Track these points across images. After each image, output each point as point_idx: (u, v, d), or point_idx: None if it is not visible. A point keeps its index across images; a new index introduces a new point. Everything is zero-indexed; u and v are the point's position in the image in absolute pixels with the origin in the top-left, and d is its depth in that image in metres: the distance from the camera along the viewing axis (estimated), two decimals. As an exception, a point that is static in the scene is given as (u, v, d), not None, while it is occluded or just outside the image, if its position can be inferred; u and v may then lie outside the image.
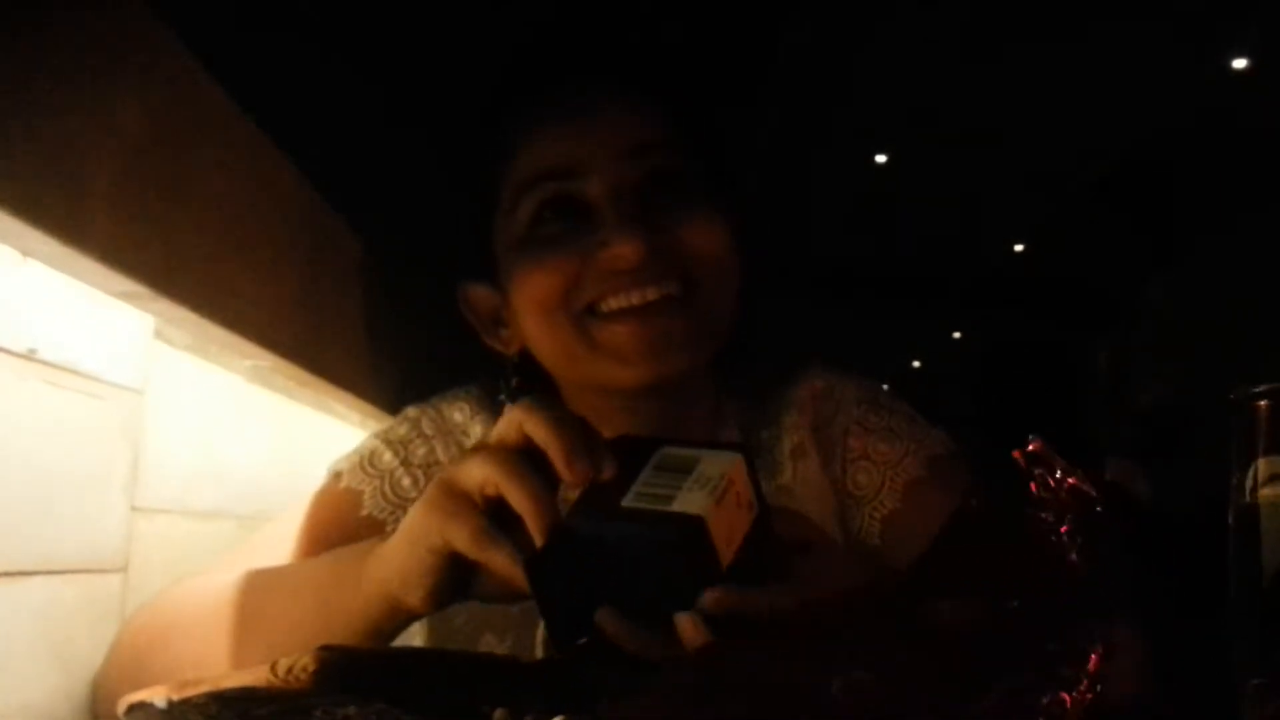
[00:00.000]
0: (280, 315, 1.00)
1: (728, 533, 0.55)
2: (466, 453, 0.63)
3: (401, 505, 0.86)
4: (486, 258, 0.85)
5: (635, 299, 0.78)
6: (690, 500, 0.54)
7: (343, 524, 0.85)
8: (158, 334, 0.91)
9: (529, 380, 0.88)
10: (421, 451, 0.90)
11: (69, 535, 0.80)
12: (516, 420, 0.60)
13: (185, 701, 0.53)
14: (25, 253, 0.70)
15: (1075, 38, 3.96)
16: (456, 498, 0.61)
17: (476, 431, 0.91)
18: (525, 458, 0.59)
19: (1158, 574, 0.47)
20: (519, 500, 0.58)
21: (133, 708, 0.54)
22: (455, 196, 0.90)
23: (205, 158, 0.86)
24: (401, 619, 0.66)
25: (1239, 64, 4.23)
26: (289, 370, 1.06)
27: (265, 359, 1.01)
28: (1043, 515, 0.45)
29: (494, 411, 0.92)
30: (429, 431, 0.92)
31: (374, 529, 0.84)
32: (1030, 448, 0.46)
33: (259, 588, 0.73)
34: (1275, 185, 3.85)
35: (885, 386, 0.96)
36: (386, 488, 0.88)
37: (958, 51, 4.17)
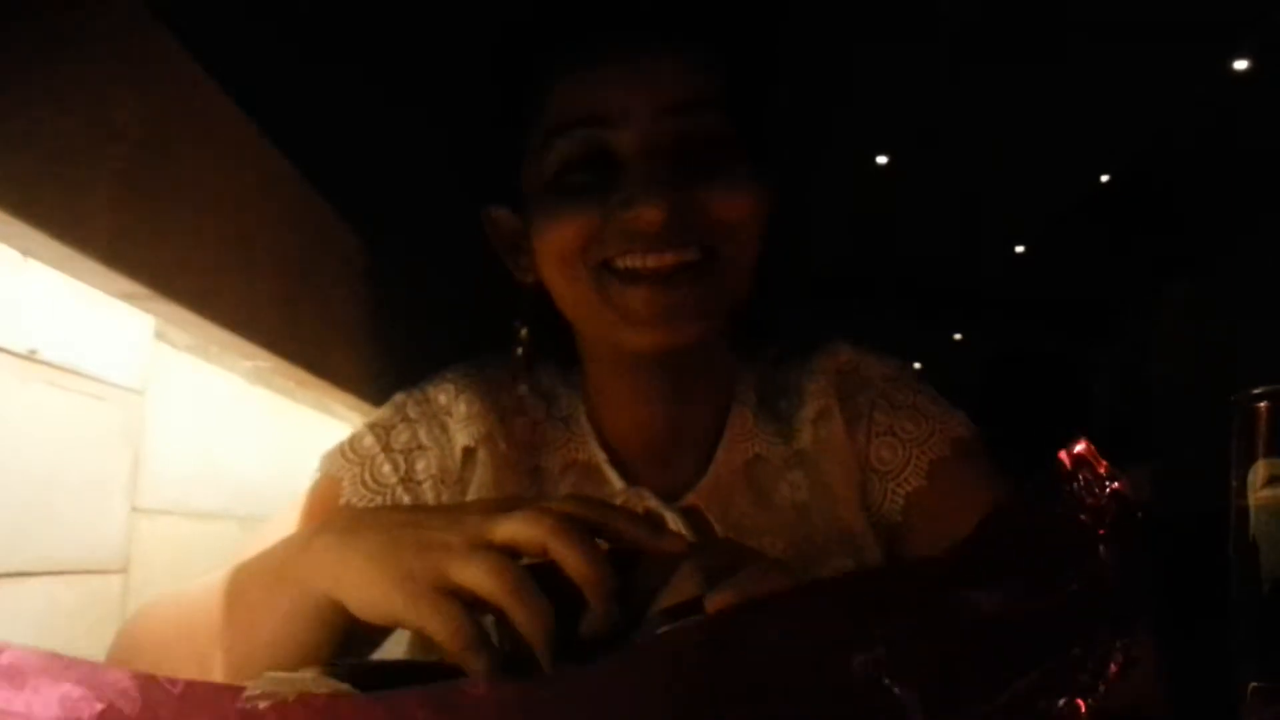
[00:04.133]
0: (281, 316, 1.00)
1: None
2: (465, 546, 0.56)
3: (379, 493, 0.85)
4: (512, 186, 0.84)
5: (652, 262, 0.76)
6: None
7: (324, 514, 0.83)
8: (158, 335, 0.91)
9: (545, 317, 0.86)
10: (404, 436, 0.89)
11: (69, 536, 0.80)
12: (541, 530, 0.55)
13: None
14: (26, 253, 0.70)
15: (1077, 39, 3.96)
16: (442, 595, 0.55)
17: (461, 411, 0.89)
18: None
19: (1160, 576, 0.47)
20: (577, 566, 0.53)
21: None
22: (485, 124, 0.87)
23: (205, 158, 0.86)
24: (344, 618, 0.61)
25: (1240, 65, 4.23)
26: (290, 371, 1.06)
27: (266, 360, 1.01)
28: (1081, 517, 0.44)
29: (480, 388, 0.90)
30: (413, 415, 0.90)
31: None
32: (1077, 449, 0.46)
33: (231, 593, 0.69)
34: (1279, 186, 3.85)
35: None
36: (366, 475, 0.86)
37: (959, 53, 4.17)
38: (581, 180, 0.78)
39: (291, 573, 0.62)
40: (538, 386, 0.92)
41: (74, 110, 0.67)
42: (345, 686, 0.49)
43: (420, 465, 0.88)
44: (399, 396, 0.93)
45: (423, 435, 0.89)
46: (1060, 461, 0.46)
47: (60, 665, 0.39)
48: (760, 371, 0.93)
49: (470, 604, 0.54)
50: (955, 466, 0.87)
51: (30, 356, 0.75)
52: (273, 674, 0.49)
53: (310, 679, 0.50)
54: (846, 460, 0.89)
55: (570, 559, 0.54)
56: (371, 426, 0.90)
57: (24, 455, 0.75)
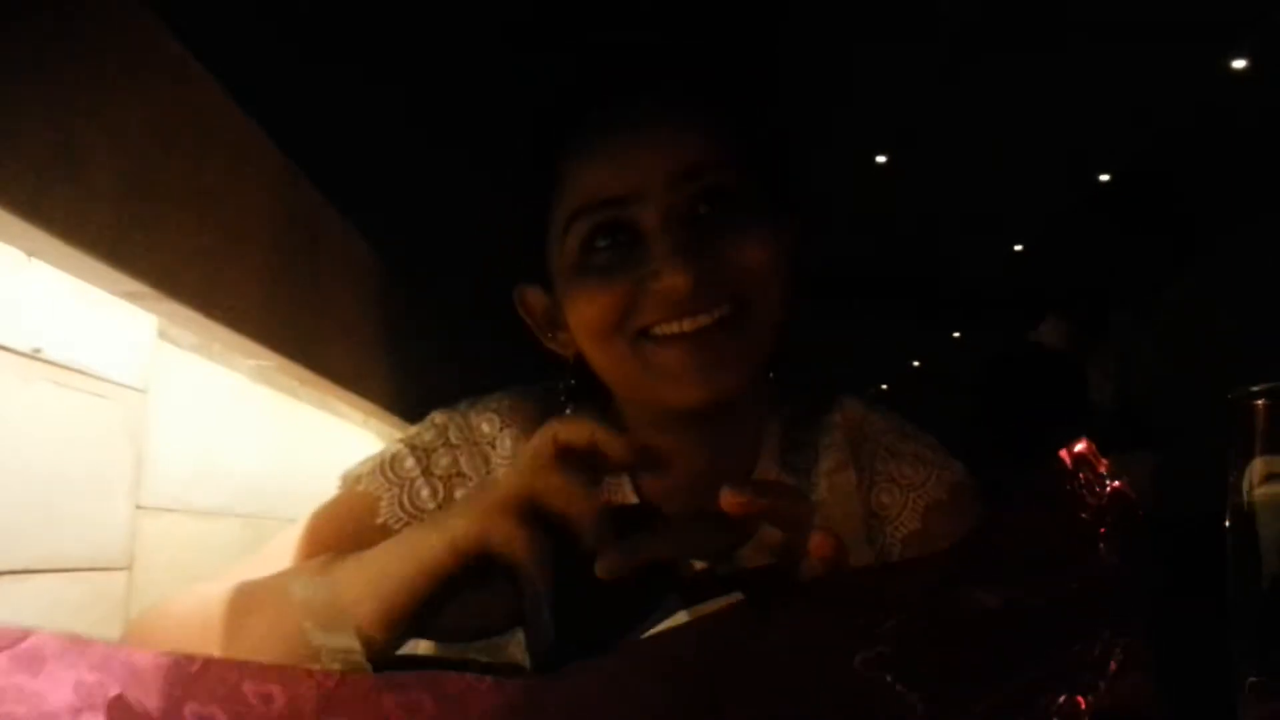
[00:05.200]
0: (283, 315, 1.00)
1: None
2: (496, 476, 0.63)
3: (417, 516, 0.85)
4: (540, 265, 0.85)
5: (687, 326, 0.78)
6: None
7: (356, 530, 0.83)
8: (162, 334, 0.92)
9: (584, 384, 0.87)
10: (445, 462, 0.89)
11: (74, 534, 0.80)
12: (550, 431, 0.62)
13: None
14: (30, 253, 0.71)
15: (1075, 38, 3.96)
16: (492, 503, 0.62)
17: (506, 445, 0.89)
18: (563, 463, 0.61)
19: (1160, 574, 0.47)
20: (562, 501, 0.59)
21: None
22: (508, 209, 0.89)
23: (209, 160, 0.86)
24: None
25: (1238, 64, 4.24)
26: (292, 370, 1.07)
27: (268, 358, 1.02)
28: (1081, 515, 0.45)
29: (526, 423, 0.90)
30: (455, 440, 0.90)
31: (386, 538, 0.84)
32: (1078, 448, 0.46)
33: (242, 606, 0.71)
34: (1277, 185, 3.85)
35: (884, 386, 0.99)
36: (405, 497, 0.86)
37: (958, 52, 4.17)
38: (607, 258, 0.80)
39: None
40: None
41: (77, 112, 0.67)
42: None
43: (459, 494, 0.87)
44: (439, 417, 0.92)
45: (464, 463, 0.89)
46: (1061, 460, 0.46)
47: (77, 649, 0.39)
48: (781, 429, 0.94)
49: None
50: (951, 510, 0.89)
51: (34, 355, 0.75)
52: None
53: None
54: (856, 510, 0.91)
55: (556, 499, 0.59)
56: (413, 448, 0.89)
57: (28, 454, 0.75)
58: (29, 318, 0.74)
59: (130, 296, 0.79)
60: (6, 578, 0.73)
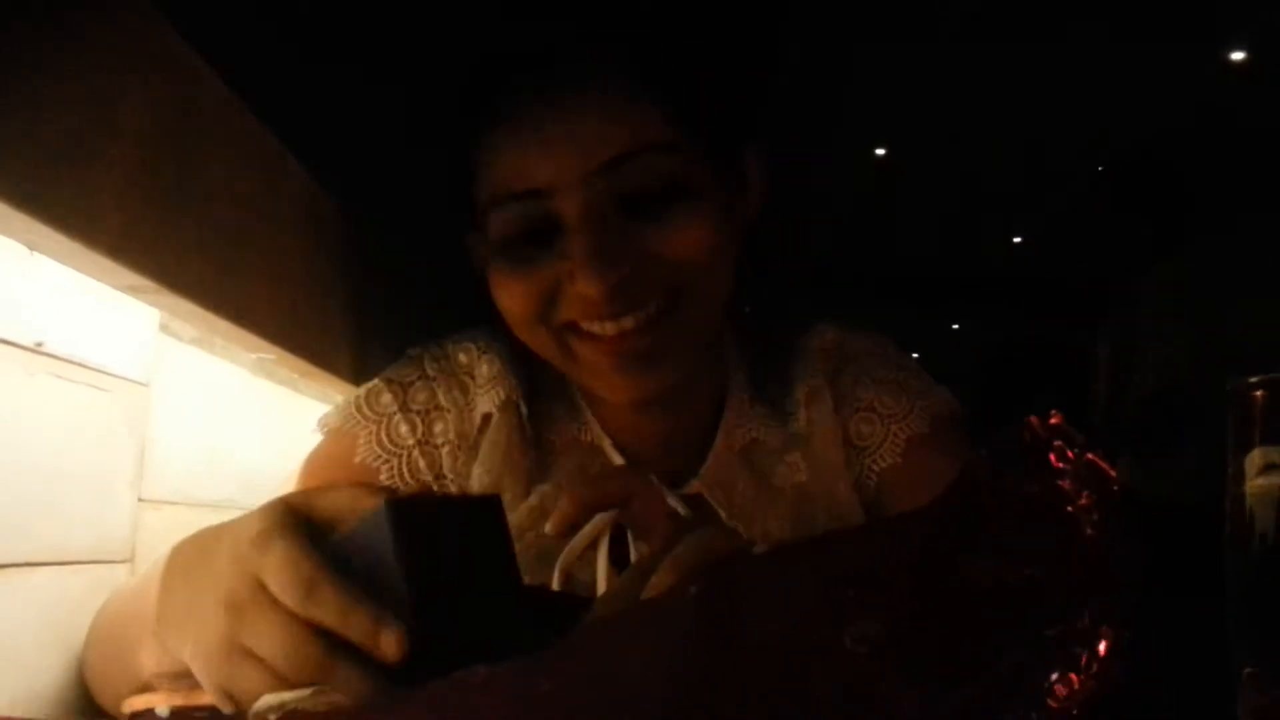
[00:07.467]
0: (285, 309, 1.00)
1: None
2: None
3: (396, 454, 0.83)
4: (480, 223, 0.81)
5: (610, 329, 0.73)
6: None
7: (336, 472, 0.81)
8: (163, 328, 0.92)
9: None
10: (423, 395, 0.86)
11: (76, 527, 0.81)
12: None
13: (186, 709, 0.53)
14: (32, 247, 0.71)
15: (1075, 29, 3.96)
16: (238, 663, 0.49)
17: (483, 372, 0.87)
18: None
19: (1159, 562, 0.48)
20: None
21: (135, 715, 0.54)
22: (445, 176, 0.84)
23: (211, 154, 0.86)
24: None
25: (1237, 56, 4.23)
26: (293, 363, 1.07)
27: (270, 352, 1.02)
28: (1060, 484, 0.44)
29: (504, 352, 0.88)
30: (431, 373, 0.87)
31: (367, 475, 0.82)
32: (1050, 419, 0.46)
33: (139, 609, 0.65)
34: (1275, 179, 3.85)
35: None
36: (383, 434, 0.84)
37: (957, 43, 4.17)
38: (527, 251, 0.74)
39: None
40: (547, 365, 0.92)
41: (80, 105, 0.67)
42: (342, 699, 0.49)
43: (438, 428, 0.86)
44: (414, 350, 0.90)
45: (441, 396, 0.86)
46: (1033, 427, 0.46)
47: None
48: (751, 359, 0.92)
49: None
50: (933, 444, 0.86)
51: (37, 349, 0.75)
52: (272, 696, 0.49)
53: (309, 696, 0.50)
54: (837, 438, 0.88)
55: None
56: (389, 382, 0.87)
57: (31, 446, 0.75)
58: (32, 311, 0.75)
59: (133, 291, 0.79)
60: (10, 570, 0.73)
